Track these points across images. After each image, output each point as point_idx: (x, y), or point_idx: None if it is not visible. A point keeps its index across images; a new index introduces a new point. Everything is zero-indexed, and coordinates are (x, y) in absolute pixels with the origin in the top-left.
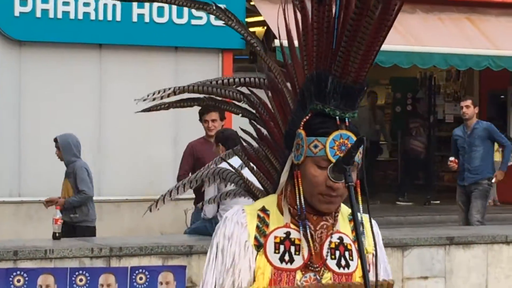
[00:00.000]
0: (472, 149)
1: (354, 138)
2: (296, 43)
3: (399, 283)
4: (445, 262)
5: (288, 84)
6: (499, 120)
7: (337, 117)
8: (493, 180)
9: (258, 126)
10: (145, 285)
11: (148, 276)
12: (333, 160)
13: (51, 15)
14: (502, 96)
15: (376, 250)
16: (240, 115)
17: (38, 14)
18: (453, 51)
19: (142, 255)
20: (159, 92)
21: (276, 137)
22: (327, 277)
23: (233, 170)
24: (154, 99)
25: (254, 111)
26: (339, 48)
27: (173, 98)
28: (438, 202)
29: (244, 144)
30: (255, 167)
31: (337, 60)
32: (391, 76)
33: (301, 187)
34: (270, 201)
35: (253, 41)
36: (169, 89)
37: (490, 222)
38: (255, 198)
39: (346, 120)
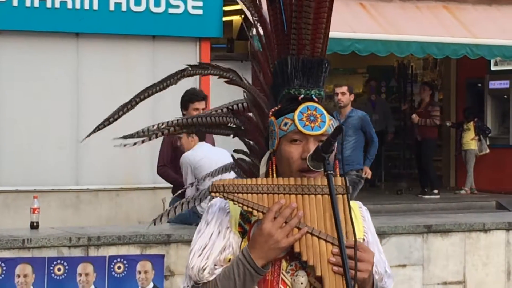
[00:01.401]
0: (345, 138)
1: (322, 108)
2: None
3: None
4: (423, 250)
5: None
6: (476, 108)
7: (302, 95)
8: (364, 175)
9: (247, 140)
10: (123, 274)
11: (126, 265)
12: (304, 131)
13: (28, 4)
14: (479, 85)
15: (354, 236)
16: (232, 135)
17: (15, 3)
18: (430, 39)
19: (120, 244)
20: (146, 130)
21: (262, 146)
22: None
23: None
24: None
25: (242, 127)
26: (291, 27)
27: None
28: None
29: (238, 160)
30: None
31: (292, 39)
32: (369, 65)
33: (275, 174)
34: None
35: (228, 74)
36: (163, 124)
37: (467, 210)
38: None
39: (313, 97)
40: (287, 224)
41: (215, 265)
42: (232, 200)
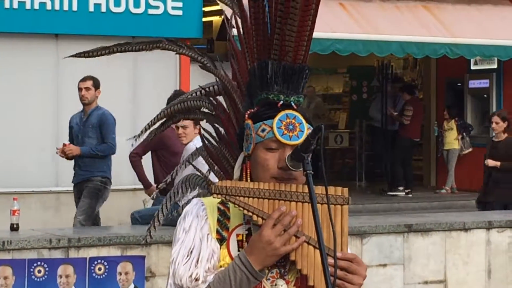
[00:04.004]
0: (85, 140)
1: (301, 117)
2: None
3: None
4: (403, 250)
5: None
6: (456, 107)
7: (281, 101)
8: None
9: (217, 126)
10: (104, 275)
11: (107, 266)
12: (282, 140)
13: (7, 5)
14: (459, 84)
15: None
16: (205, 120)
17: None
18: (410, 39)
19: (101, 245)
20: (148, 125)
21: (232, 138)
22: (293, 271)
23: (200, 175)
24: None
25: (213, 114)
26: (275, 31)
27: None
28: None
29: (207, 143)
30: (215, 166)
31: (274, 44)
32: (349, 65)
33: (249, 179)
34: None
35: (203, 60)
36: (156, 117)
37: (448, 209)
38: None
39: (292, 104)
40: (286, 232)
41: (205, 272)
42: (234, 203)
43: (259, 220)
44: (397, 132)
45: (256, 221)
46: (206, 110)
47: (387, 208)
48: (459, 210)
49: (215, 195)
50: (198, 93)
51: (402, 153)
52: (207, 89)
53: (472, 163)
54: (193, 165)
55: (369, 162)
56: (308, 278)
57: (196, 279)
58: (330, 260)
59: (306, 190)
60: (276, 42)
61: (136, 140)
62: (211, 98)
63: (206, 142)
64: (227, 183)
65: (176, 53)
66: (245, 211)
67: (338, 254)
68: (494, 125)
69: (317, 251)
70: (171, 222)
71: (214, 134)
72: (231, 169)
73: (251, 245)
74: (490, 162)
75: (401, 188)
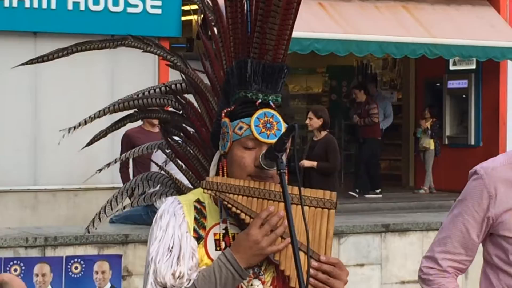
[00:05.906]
0: None
1: (279, 116)
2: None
3: None
4: (381, 250)
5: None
6: (435, 108)
7: (259, 100)
8: None
9: (185, 126)
10: (80, 274)
11: (83, 265)
12: (259, 138)
13: None
14: (438, 84)
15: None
16: (169, 118)
17: None
18: (389, 39)
19: (77, 244)
20: (90, 118)
21: (204, 136)
22: (269, 271)
23: (163, 172)
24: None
25: (181, 112)
26: (255, 30)
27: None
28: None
29: (171, 141)
30: (183, 165)
31: (254, 42)
32: (328, 64)
33: (225, 176)
34: (204, 194)
35: (173, 59)
36: (99, 112)
37: (426, 209)
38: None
39: (270, 103)
40: (273, 232)
41: (189, 270)
42: (223, 199)
43: (247, 219)
44: (365, 133)
45: (244, 219)
46: (172, 109)
47: (365, 208)
48: (437, 210)
49: (205, 191)
50: (163, 88)
51: (373, 154)
52: (172, 86)
53: (450, 163)
54: (153, 162)
55: (347, 162)
56: (290, 279)
57: (180, 277)
58: (315, 263)
59: (295, 191)
60: (256, 41)
61: (69, 133)
62: (179, 97)
63: (171, 141)
64: (218, 179)
65: (143, 51)
66: (234, 209)
67: (323, 258)
68: (307, 120)
69: (301, 254)
70: (143, 221)
71: (181, 133)
72: (201, 168)
73: (237, 243)
74: (306, 163)
75: (378, 191)
